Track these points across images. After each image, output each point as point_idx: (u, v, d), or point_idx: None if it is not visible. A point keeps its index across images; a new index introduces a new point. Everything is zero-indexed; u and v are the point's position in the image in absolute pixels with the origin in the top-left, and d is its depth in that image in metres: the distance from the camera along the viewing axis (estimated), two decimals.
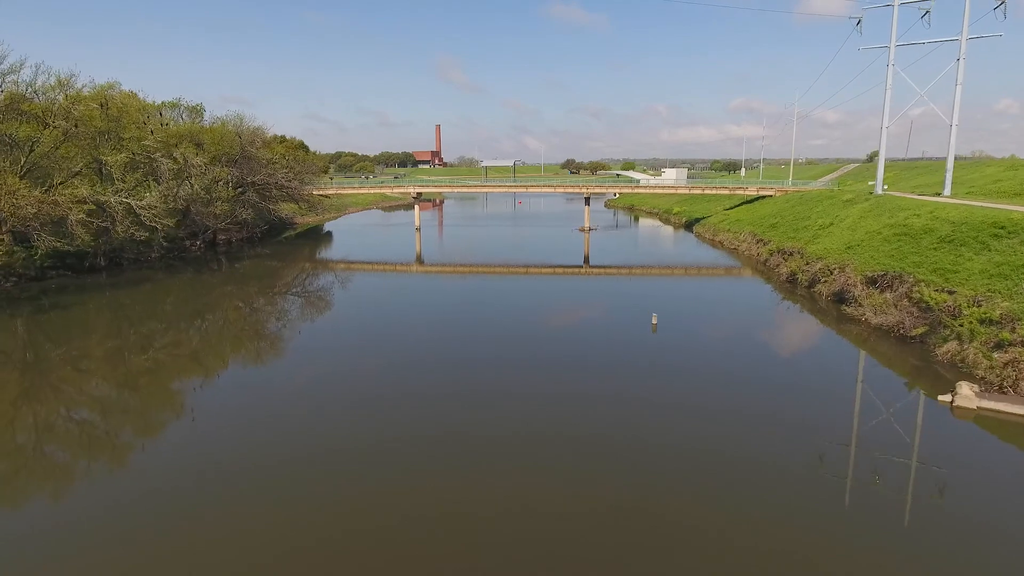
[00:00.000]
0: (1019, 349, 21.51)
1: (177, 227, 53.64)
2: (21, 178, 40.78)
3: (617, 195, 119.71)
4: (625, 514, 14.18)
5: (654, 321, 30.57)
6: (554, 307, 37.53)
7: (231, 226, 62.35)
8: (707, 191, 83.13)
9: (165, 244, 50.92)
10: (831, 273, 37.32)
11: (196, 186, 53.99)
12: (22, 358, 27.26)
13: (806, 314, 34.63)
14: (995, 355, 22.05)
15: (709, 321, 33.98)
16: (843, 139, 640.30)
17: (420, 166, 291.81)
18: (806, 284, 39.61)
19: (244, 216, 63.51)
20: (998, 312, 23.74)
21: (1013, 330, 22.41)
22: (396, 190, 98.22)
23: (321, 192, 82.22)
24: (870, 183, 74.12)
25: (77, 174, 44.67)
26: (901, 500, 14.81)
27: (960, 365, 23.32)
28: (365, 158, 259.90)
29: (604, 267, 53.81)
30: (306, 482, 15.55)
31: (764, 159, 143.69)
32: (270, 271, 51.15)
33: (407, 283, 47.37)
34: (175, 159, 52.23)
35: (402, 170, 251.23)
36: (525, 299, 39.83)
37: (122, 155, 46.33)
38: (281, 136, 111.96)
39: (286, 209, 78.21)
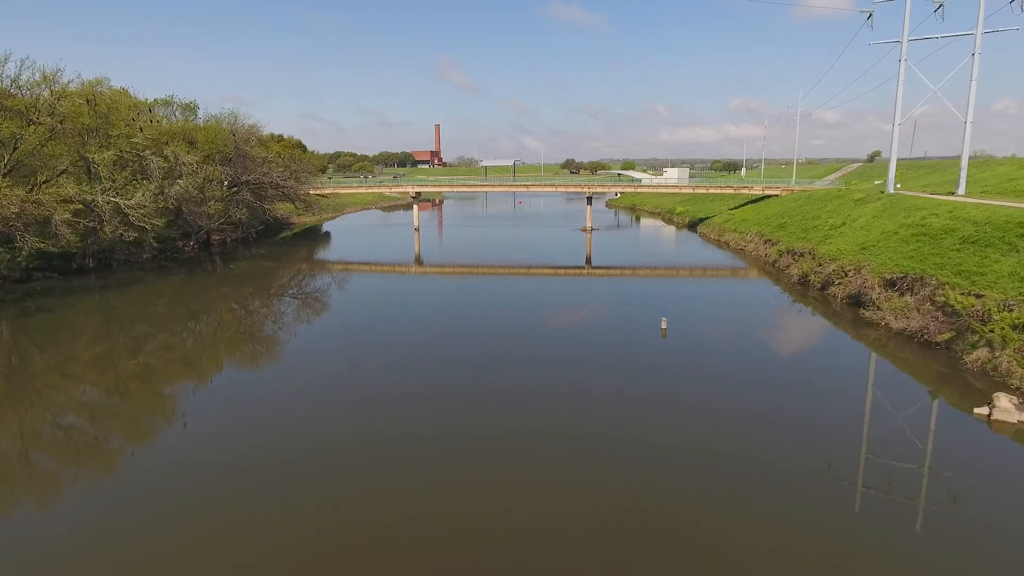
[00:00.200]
0: None
1: (168, 227, 52.16)
2: (4, 176, 39.34)
3: (619, 194, 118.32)
4: (627, 515, 13.92)
5: (663, 326, 29.20)
6: (556, 308, 36.20)
7: (225, 226, 60.88)
8: (711, 190, 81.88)
9: (156, 245, 49.39)
10: (846, 275, 35.94)
11: (188, 185, 52.37)
12: (7, 362, 26.01)
13: (821, 317, 33.26)
14: None
15: (717, 323, 32.65)
16: (843, 139, 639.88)
17: (419, 166, 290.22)
18: (819, 286, 38.24)
19: (238, 216, 61.97)
20: None
21: None
22: (395, 189, 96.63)
23: (318, 192, 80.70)
24: (877, 182, 72.84)
25: (63, 172, 43.16)
26: (951, 516, 13.51)
27: (992, 374, 21.97)
28: (364, 158, 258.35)
29: (607, 268, 52.53)
30: (306, 482, 15.31)
31: (765, 159, 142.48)
32: (266, 272, 49.82)
33: (406, 284, 46.12)
34: (165, 157, 50.74)
35: (401, 170, 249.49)
36: (526, 300, 38.45)
37: (109, 152, 44.83)
38: (279, 135, 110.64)
39: (282, 209, 76.60)
